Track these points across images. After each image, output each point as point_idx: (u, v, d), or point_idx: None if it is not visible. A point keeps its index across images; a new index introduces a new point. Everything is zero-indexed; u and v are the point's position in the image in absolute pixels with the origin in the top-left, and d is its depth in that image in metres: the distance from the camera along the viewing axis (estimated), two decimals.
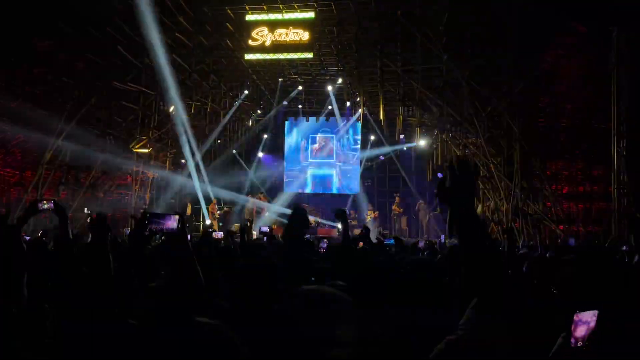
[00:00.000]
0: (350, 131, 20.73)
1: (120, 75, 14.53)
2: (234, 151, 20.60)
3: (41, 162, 13.41)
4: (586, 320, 1.62)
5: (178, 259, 2.36)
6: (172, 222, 2.22)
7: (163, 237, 2.89)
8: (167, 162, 17.35)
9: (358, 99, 17.72)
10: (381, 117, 16.41)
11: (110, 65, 14.18)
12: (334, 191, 20.63)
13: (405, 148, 19.06)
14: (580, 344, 1.58)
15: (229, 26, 14.50)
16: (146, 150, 15.42)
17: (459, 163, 1.56)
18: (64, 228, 3.52)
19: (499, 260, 1.55)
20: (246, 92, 18.05)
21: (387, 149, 19.26)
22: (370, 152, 20.22)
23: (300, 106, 20.45)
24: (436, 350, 1.48)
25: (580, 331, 1.61)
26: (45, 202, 3.63)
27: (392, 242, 4.96)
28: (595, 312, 1.62)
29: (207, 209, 17.68)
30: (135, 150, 15.12)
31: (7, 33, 10.91)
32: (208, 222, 17.30)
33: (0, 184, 13.61)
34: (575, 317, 1.60)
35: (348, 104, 19.00)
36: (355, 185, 20.45)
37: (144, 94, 15.05)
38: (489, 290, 1.49)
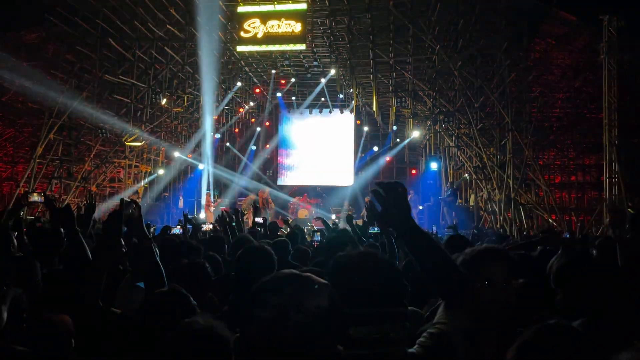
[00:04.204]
0: (344, 123, 20.69)
1: (112, 68, 14.44)
2: (227, 144, 20.55)
3: (33, 156, 13.31)
4: None
5: (136, 243, 2.44)
6: (129, 209, 2.33)
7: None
8: (161, 155, 17.27)
9: (351, 90, 17.69)
10: (374, 108, 16.41)
11: (101, 58, 14.07)
12: (328, 183, 20.59)
13: (397, 140, 19.02)
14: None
15: (221, 18, 14.40)
16: (139, 144, 15.33)
17: (384, 187, 1.60)
18: (55, 220, 3.53)
19: (452, 262, 1.65)
20: (239, 84, 17.96)
21: None
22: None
23: (293, 98, 20.38)
24: (421, 344, 1.48)
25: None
26: (35, 194, 3.64)
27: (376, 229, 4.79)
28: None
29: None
30: (127, 143, 15.03)
31: None
32: (202, 215, 17.25)
33: None
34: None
35: (341, 95, 18.96)
36: (349, 177, 20.45)
37: (135, 86, 14.95)
38: (452, 290, 1.61)
